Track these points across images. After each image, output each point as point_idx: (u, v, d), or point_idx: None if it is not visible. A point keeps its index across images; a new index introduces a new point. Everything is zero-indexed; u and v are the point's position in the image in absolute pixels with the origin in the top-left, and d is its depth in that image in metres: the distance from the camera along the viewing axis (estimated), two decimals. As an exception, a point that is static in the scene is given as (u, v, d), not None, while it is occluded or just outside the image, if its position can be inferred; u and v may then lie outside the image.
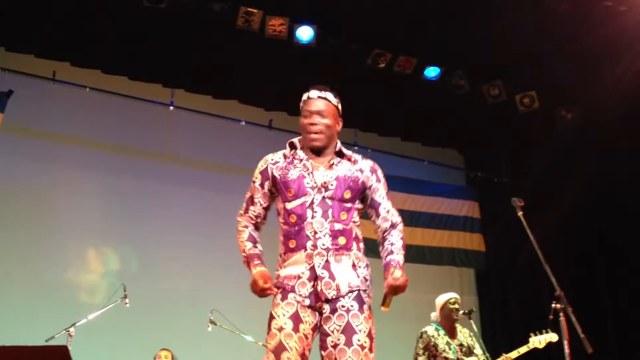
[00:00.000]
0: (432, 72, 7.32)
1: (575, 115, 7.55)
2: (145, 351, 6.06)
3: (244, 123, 7.52)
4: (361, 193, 2.71)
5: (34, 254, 6.55)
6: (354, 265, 2.59)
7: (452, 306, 5.09)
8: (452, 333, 5.11)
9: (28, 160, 6.77)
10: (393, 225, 2.77)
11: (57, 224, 6.71)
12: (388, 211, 2.77)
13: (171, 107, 7.08)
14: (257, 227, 2.79)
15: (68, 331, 4.87)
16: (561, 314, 3.31)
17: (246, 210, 2.76)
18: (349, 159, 2.75)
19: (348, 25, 6.82)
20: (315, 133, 2.67)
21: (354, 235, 2.64)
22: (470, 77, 7.43)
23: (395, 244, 2.72)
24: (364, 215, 2.81)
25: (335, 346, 2.45)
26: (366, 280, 2.63)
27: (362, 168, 2.74)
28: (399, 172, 8.43)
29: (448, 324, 5.12)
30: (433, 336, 5.05)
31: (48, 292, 6.40)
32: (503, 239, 8.26)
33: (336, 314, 2.49)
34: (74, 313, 5.27)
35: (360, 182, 2.69)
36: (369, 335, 2.50)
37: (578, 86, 7.19)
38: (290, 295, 2.54)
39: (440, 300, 5.21)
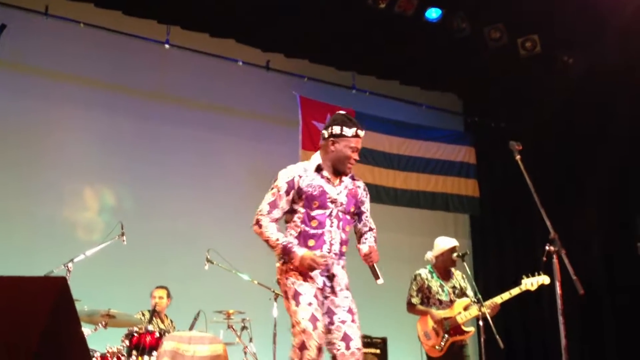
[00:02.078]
0: (433, 13, 7.17)
1: (576, 61, 7.45)
2: (143, 288, 6.16)
3: (241, 63, 7.43)
4: (359, 203, 3.37)
5: (29, 191, 6.56)
6: (343, 267, 3.29)
7: (455, 254, 5.10)
8: (446, 276, 5.19)
9: (22, 97, 6.69)
10: (370, 229, 3.45)
11: (51, 162, 6.70)
12: (368, 219, 3.46)
13: (167, 45, 6.96)
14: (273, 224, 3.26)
15: (66, 266, 4.91)
16: (554, 256, 3.35)
17: (269, 212, 3.22)
18: (350, 176, 3.36)
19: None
20: (353, 165, 3.30)
21: (348, 244, 3.31)
22: (471, 20, 7.29)
23: (368, 239, 3.40)
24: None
25: (343, 322, 3.09)
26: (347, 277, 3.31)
27: (360, 185, 3.41)
28: (397, 116, 8.40)
29: (444, 268, 5.18)
30: (427, 279, 5.14)
31: (45, 228, 6.45)
32: (498, 184, 8.31)
33: (339, 298, 3.16)
34: (72, 249, 5.30)
35: (359, 197, 3.36)
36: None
37: (581, 32, 7.07)
38: (310, 280, 3.13)
39: (444, 245, 5.18)
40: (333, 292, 3.17)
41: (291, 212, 3.25)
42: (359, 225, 3.41)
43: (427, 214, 8.33)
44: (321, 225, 3.16)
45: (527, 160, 3.72)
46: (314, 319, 3.00)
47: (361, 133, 3.27)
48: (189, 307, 5.62)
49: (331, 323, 3.09)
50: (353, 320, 3.11)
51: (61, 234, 6.45)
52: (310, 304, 3.04)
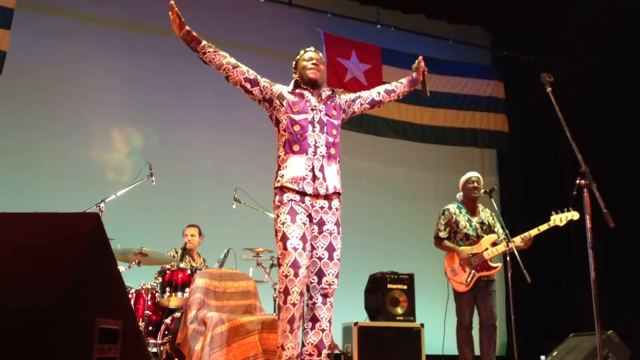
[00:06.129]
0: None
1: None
2: (173, 227, 6.28)
3: (263, 0, 7.28)
4: (341, 109, 3.56)
5: (58, 133, 6.64)
6: (337, 172, 3.42)
7: (471, 185, 5.15)
8: (473, 211, 5.19)
9: (49, 39, 6.71)
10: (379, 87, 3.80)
11: (80, 103, 6.76)
12: (366, 91, 3.75)
13: (188, -17, 6.83)
14: (229, 61, 3.79)
15: (99, 206, 5.00)
16: (585, 190, 3.29)
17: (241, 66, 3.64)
18: (332, 93, 3.60)
19: None
20: (313, 68, 3.54)
21: (339, 148, 3.46)
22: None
23: (395, 82, 3.87)
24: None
25: (320, 259, 3.28)
26: (341, 185, 3.44)
27: (338, 95, 3.62)
28: (423, 52, 8.11)
29: (469, 202, 5.19)
30: (455, 213, 5.14)
31: (75, 170, 6.56)
32: (527, 119, 8.15)
33: (322, 235, 3.30)
34: (102, 191, 5.39)
35: (338, 103, 3.56)
36: (341, 250, 3.38)
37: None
38: (297, 217, 3.23)
39: (462, 179, 5.27)
40: (319, 224, 3.29)
41: (276, 124, 3.47)
42: (370, 98, 3.69)
43: (454, 151, 8.26)
44: (304, 129, 3.34)
45: (557, 95, 3.62)
46: (296, 265, 3.15)
47: (312, 48, 3.66)
48: (218, 245, 5.72)
49: (310, 257, 3.27)
50: (330, 258, 3.27)
51: (91, 176, 6.56)
52: (295, 248, 3.18)
